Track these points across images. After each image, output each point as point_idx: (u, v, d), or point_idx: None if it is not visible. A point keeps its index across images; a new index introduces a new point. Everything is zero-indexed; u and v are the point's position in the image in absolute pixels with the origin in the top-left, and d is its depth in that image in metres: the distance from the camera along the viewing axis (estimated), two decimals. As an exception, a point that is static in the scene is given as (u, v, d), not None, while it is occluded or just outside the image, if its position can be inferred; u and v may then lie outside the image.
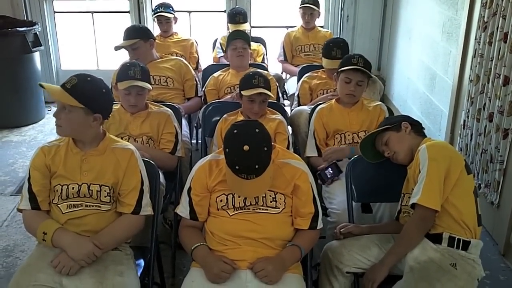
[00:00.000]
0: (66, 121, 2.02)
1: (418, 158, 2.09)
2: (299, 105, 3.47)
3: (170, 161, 2.82)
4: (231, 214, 2.00)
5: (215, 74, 3.64)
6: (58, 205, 2.04)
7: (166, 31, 4.50)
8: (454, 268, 1.95)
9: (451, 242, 2.00)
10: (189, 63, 3.90)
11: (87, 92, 2.02)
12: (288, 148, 2.74)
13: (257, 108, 2.78)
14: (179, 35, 4.59)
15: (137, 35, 3.44)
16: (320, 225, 2.09)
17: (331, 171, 2.67)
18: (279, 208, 2.00)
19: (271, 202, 2.00)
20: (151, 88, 2.90)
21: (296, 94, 3.58)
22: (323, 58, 3.54)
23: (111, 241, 2.02)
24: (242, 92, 2.79)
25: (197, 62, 4.51)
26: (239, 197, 1.99)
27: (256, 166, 1.86)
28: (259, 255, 1.95)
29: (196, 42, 4.61)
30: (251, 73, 2.83)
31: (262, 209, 1.99)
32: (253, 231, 1.97)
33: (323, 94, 3.41)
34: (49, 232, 1.96)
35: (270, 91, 2.81)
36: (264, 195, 1.99)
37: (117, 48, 3.46)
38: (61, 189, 2.04)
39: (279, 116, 2.89)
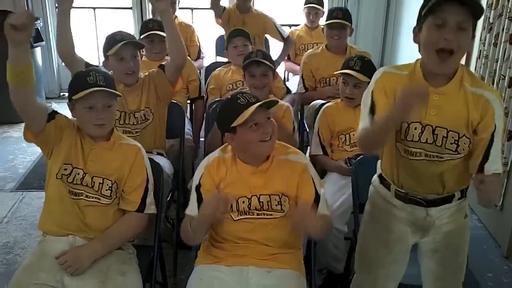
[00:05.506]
0: (110, 117, 2.05)
1: None
2: (304, 87, 3.59)
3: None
4: (235, 219, 1.96)
5: (216, 72, 3.63)
6: (63, 182, 2.01)
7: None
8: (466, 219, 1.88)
9: (462, 194, 1.84)
10: (189, 53, 3.84)
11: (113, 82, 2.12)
12: (293, 133, 2.75)
13: (258, 81, 2.84)
14: (179, 18, 4.48)
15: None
16: (326, 211, 1.99)
17: None
18: (284, 211, 1.95)
19: (276, 205, 1.94)
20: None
21: (300, 76, 3.65)
22: (325, 24, 3.65)
23: (117, 242, 2.03)
24: (243, 68, 2.90)
25: (199, 51, 4.49)
26: (243, 202, 1.94)
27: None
28: (262, 251, 1.92)
29: (198, 38, 4.56)
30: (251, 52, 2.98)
31: (267, 214, 1.94)
32: (256, 234, 1.94)
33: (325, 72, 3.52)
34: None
35: (272, 64, 2.89)
36: (269, 200, 1.94)
37: (145, 38, 3.47)
38: (69, 170, 2.01)
39: (286, 103, 2.87)
